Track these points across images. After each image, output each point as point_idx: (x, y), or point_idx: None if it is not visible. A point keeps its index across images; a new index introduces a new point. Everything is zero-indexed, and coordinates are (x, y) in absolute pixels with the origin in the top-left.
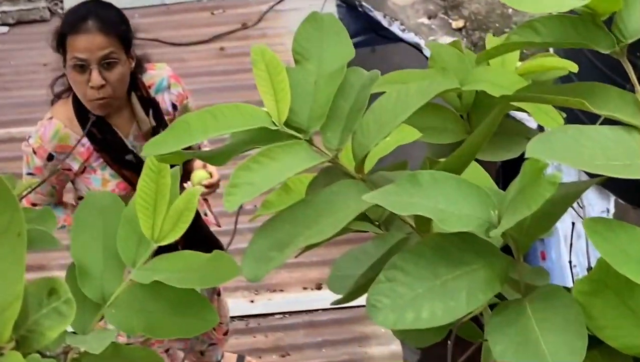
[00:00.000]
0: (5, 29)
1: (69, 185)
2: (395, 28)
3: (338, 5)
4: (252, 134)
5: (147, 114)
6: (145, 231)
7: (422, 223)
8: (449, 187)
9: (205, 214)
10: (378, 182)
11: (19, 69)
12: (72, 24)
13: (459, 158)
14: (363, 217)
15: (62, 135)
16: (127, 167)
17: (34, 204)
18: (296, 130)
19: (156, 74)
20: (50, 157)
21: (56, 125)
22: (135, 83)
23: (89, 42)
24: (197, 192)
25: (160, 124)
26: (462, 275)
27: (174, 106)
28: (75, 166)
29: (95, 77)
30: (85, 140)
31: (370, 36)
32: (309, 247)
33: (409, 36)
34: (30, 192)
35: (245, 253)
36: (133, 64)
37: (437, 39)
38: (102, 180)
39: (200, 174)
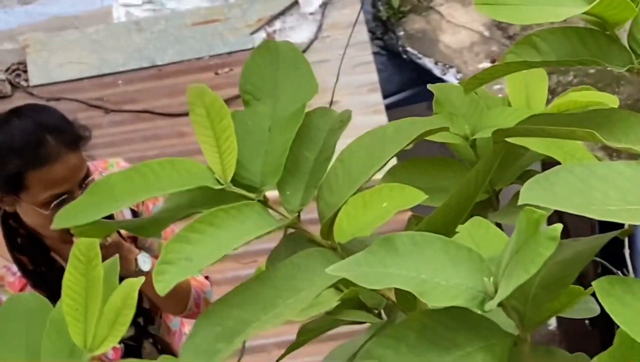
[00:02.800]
0: None
1: None
2: (451, 77)
3: (376, 53)
4: (192, 195)
5: None
6: (75, 338)
7: (405, 299)
8: (432, 251)
9: None
10: (353, 250)
11: None
12: (27, 155)
13: (445, 214)
14: (359, 304)
15: None
16: None
17: None
18: (246, 189)
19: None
20: None
21: None
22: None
23: (67, 169)
24: (137, 284)
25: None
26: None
27: (134, 213)
28: None
29: None
30: (15, 268)
31: (422, 89)
32: (296, 345)
33: None
34: None
35: (183, 347)
36: None
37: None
38: None
39: None
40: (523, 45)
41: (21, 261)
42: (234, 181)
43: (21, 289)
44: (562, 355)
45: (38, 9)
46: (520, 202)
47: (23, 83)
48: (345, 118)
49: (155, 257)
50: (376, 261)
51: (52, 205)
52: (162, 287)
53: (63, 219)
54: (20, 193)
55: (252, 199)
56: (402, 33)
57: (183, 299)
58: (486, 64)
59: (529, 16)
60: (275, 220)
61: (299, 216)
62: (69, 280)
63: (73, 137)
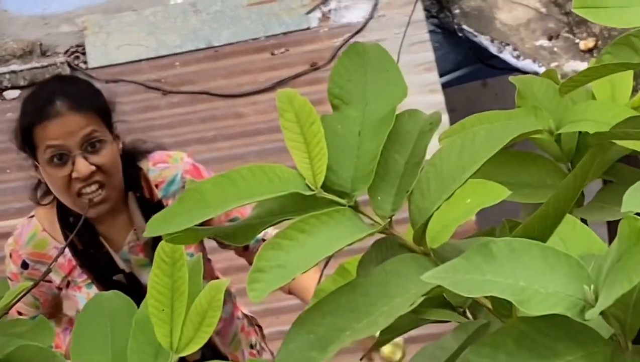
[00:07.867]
0: (15, 93)
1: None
2: (507, 55)
3: (431, 32)
4: (282, 201)
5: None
6: (161, 340)
7: (502, 306)
8: (530, 258)
9: (252, 346)
10: (446, 256)
11: None
12: (35, 111)
13: (542, 219)
14: (443, 303)
15: (38, 241)
16: (115, 289)
17: (19, 313)
18: (337, 195)
19: (169, 169)
20: (24, 265)
21: (34, 227)
22: (134, 180)
23: (64, 125)
24: (223, 285)
25: None
26: None
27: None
28: (57, 280)
29: (82, 165)
30: (66, 249)
31: (478, 67)
32: (378, 345)
33: (526, 64)
34: (17, 302)
35: (277, 355)
36: (120, 145)
37: (562, 65)
38: (87, 300)
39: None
40: (620, 46)
41: (72, 240)
42: (325, 187)
43: (70, 271)
44: None
45: None
46: (623, 210)
47: (82, 65)
48: (435, 120)
49: None
50: (473, 268)
51: (52, 162)
52: (255, 295)
53: (154, 226)
54: (35, 155)
55: (344, 205)
56: (457, 11)
57: None
58: (543, 41)
59: (628, 19)
60: (367, 226)
61: (390, 221)
62: (154, 281)
63: (80, 100)
